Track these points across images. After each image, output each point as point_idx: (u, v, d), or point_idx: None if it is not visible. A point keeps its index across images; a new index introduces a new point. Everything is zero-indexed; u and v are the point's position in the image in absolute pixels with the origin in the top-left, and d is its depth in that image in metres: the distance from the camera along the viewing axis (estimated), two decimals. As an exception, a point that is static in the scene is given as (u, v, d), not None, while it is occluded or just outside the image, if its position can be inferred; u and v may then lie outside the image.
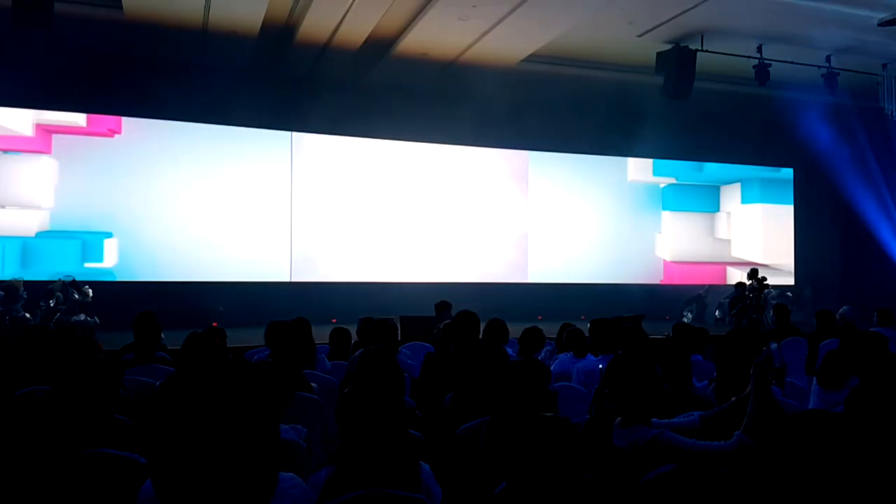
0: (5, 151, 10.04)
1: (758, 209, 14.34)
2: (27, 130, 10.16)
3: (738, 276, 13.66)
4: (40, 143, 10.22)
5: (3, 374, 3.43)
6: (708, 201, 14.28)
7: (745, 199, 14.32)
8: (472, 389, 3.23)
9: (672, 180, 13.96)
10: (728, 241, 14.25)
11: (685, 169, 13.98)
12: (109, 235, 10.43)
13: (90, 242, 10.35)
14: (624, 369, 2.49)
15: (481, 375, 3.16)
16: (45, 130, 10.26)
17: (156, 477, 1.20)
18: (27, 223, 10.10)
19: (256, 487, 1.33)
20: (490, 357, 3.26)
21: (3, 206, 10.00)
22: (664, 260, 13.81)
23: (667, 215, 13.92)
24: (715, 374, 3.63)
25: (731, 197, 14.37)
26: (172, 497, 1.19)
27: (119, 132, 10.59)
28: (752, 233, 14.31)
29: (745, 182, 14.30)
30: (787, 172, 14.57)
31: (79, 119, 10.44)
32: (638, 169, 13.74)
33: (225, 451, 1.21)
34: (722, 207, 14.38)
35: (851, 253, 14.33)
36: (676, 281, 13.72)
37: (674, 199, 13.95)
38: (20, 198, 10.09)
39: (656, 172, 13.81)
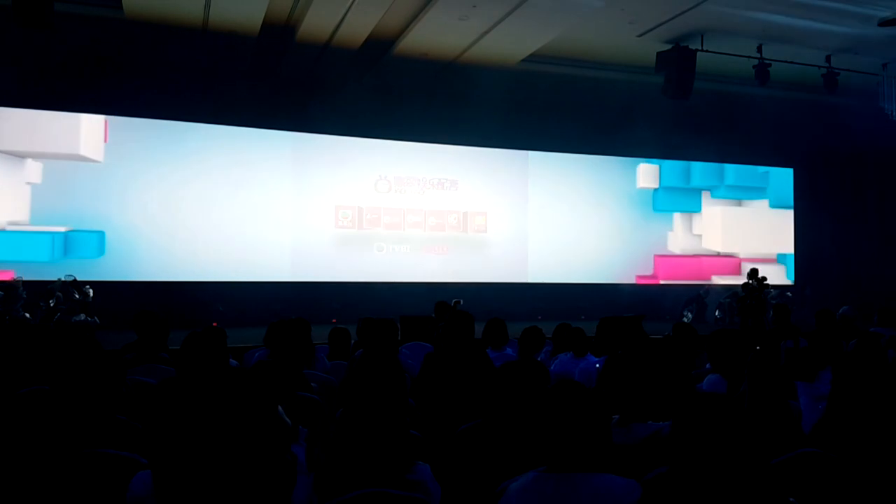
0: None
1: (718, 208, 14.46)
2: (99, 156, 10.43)
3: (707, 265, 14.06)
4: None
5: (3, 374, 3.42)
6: (692, 202, 14.31)
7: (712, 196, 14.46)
8: (463, 390, 3.23)
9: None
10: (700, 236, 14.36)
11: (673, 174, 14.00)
12: (102, 234, 10.42)
13: (87, 240, 10.35)
14: (621, 368, 2.49)
15: (469, 376, 3.17)
16: None
17: (158, 477, 1.20)
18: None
19: (269, 485, 1.33)
20: (473, 358, 3.26)
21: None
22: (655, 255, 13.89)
23: (677, 216, 14.09)
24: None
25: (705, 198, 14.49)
26: (174, 497, 1.20)
27: (104, 140, 10.54)
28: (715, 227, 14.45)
29: (712, 189, 14.41)
30: (733, 177, 14.52)
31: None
32: (646, 176, 13.79)
33: (227, 450, 1.21)
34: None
35: (852, 253, 14.33)
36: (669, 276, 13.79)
37: (663, 201, 14.05)
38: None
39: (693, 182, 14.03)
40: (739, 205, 14.57)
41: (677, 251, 14.00)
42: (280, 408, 1.91)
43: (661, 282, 13.73)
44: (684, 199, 14.21)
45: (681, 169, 14.08)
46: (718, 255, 14.27)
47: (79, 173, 10.33)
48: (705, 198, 14.37)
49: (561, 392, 1.99)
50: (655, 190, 13.94)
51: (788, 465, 2.37)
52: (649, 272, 13.76)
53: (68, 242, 10.26)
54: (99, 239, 10.41)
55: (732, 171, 14.40)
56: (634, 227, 13.64)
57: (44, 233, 10.12)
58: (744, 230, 14.49)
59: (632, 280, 13.40)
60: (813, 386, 3.14)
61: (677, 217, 14.10)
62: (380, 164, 12.06)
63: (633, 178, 13.77)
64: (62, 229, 10.20)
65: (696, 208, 14.30)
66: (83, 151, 10.37)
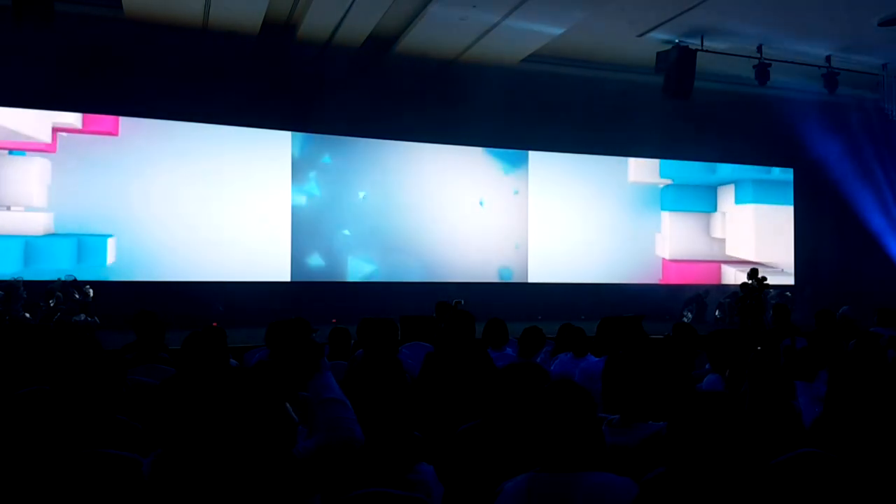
0: (11, 151, 10.03)
1: (750, 209, 14.32)
2: (46, 137, 10.16)
3: (732, 273, 13.76)
4: (47, 144, 10.19)
5: (3, 374, 3.42)
6: (705, 202, 14.25)
7: (739, 200, 14.30)
8: (464, 390, 3.24)
9: (669, 181, 13.93)
10: (723, 240, 14.22)
11: (682, 170, 13.95)
12: (109, 236, 10.40)
13: (90, 243, 10.33)
14: (622, 367, 2.49)
15: (469, 376, 3.17)
16: (54, 130, 10.22)
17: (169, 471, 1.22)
18: (28, 224, 10.07)
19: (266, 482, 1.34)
20: (474, 358, 3.26)
21: (7, 208, 9.98)
22: (663, 258, 13.79)
23: (665, 215, 13.89)
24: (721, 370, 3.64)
25: (726, 197, 14.34)
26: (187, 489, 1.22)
27: (116, 134, 10.55)
28: (745, 232, 14.28)
29: (738, 183, 14.27)
30: (779, 173, 14.53)
31: (75, 121, 10.40)
32: (638, 170, 13.72)
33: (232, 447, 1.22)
34: (718, 208, 14.33)
35: (851, 253, 14.33)
36: (674, 280, 13.71)
37: (672, 199, 13.93)
38: (20, 198, 10.07)
39: (663, 174, 13.80)
40: (766, 207, 14.35)
41: (667, 256, 13.79)
42: (287, 404, 1.93)
43: (661, 281, 13.73)
44: (697, 199, 14.08)
45: (692, 165, 13.92)
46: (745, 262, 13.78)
47: (78, 174, 10.32)
48: (726, 198, 14.26)
49: (554, 391, 2.00)
50: (665, 187, 13.87)
51: (788, 465, 2.37)
52: (651, 273, 13.70)
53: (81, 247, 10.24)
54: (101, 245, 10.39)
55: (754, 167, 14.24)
56: (637, 226, 13.60)
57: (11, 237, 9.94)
58: (775, 234, 14.30)
59: (632, 280, 13.36)
60: (813, 386, 3.15)
61: (666, 217, 13.87)
62: (380, 163, 12.06)
63: (637, 178, 13.72)
64: (41, 232, 10.09)
65: (711, 208, 14.22)
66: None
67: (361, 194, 11.91)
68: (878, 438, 2.39)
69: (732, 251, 14.16)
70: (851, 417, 2.55)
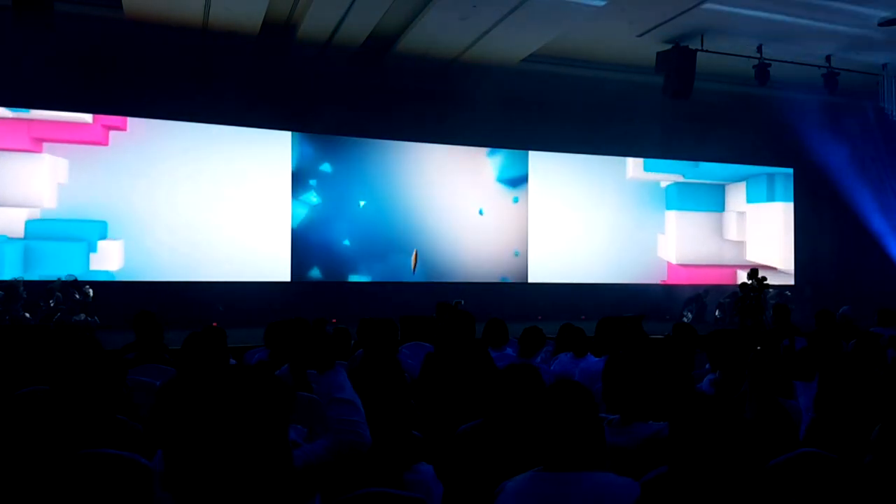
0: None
1: (772, 207, 14.20)
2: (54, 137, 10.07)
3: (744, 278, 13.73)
4: (30, 143, 10.16)
5: (4, 374, 3.42)
6: (712, 200, 14.18)
7: (751, 199, 14.18)
8: (464, 390, 3.24)
9: (677, 178, 13.83)
10: (739, 243, 14.00)
11: (686, 166, 13.93)
12: (104, 225, 10.36)
13: (88, 240, 10.33)
14: (622, 367, 2.49)
15: (470, 376, 3.18)
16: (36, 138, 10.15)
17: (169, 476, 1.22)
18: (26, 223, 10.07)
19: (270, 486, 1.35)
20: (474, 358, 3.26)
21: (2, 206, 9.98)
22: (668, 262, 13.70)
23: (670, 215, 13.79)
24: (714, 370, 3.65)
25: (737, 196, 14.21)
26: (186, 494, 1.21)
27: (124, 129, 10.55)
28: (761, 233, 14.14)
29: (750, 180, 14.16)
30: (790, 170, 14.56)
31: (85, 116, 10.41)
32: (637, 167, 13.71)
33: (236, 450, 1.23)
34: (728, 207, 14.20)
35: (851, 253, 14.34)
36: (681, 281, 13.67)
37: (677, 198, 13.85)
38: (17, 197, 10.06)
39: (647, 168, 13.69)
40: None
41: (673, 259, 13.64)
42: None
43: (665, 282, 13.69)
44: (705, 197, 13.98)
45: (675, 161, 13.81)
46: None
47: (79, 173, 10.32)
48: (739, 196, 14.18)
49: (557, 391, 2.00)
50: (669, 185, 13.82)
51: (788, 466, 2.37)
52: (655, 279, 13.62)
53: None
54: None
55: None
56: (638, 227, 13.58)
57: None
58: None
59: (633, 280, 13.34)
60: (812, 386, 3.16)
61: (672, 217, 13.75)
62: (379, 163, 12.05)
63: (636, 174, 13.70)
64: (40, 232, 10.04)
65: (719, 207, 14.12)
66: None
67: (362, 203, 11.92)
68: (871, 438, 2.39)
69: (754, 256, 13.84)
70: (842, 418, 2.55)
